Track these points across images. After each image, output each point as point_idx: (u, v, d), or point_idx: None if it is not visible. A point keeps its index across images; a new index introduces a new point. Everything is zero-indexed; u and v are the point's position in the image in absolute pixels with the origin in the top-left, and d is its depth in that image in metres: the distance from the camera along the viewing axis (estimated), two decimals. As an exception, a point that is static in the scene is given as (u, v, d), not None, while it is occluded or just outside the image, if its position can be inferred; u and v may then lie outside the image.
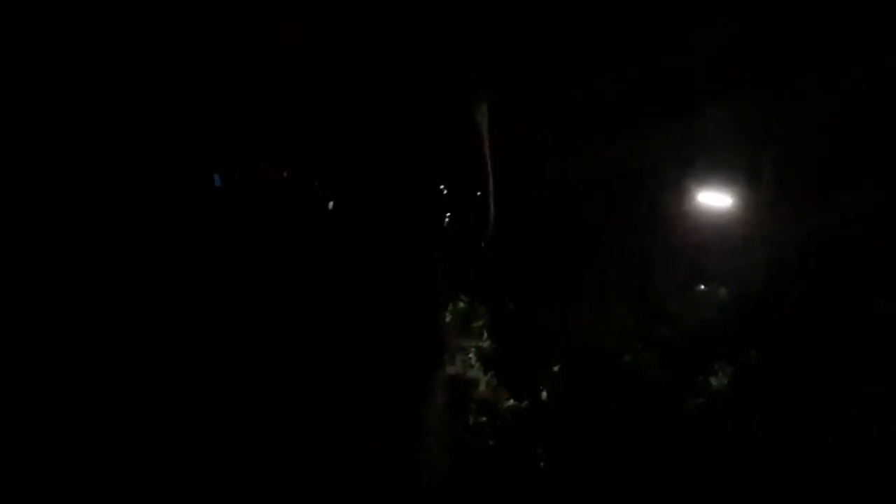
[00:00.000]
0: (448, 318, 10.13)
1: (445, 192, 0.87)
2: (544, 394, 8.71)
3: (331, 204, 0.87)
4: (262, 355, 0.82)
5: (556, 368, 8.78)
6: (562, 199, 9.83)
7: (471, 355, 9.69)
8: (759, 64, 7.94)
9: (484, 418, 8.48)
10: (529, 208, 9.76)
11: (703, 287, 8.90)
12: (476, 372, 9.71)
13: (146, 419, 0.81)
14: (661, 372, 8.02)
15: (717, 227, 8.92)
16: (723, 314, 8.27)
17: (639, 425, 7.71)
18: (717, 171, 8.84)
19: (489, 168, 0.90)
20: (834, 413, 7.25)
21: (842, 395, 7.34)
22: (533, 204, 9.84)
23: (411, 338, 0.88)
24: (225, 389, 0.83)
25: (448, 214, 0.87)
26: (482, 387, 9.67)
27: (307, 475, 0.84)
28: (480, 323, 9.54)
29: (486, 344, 9.39)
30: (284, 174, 0.85)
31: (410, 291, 0.87)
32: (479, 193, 0.88)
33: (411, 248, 0.86)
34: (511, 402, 8.86)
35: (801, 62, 7.71)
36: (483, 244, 0.92)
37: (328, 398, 0.84)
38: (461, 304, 9.55)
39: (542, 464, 7.64)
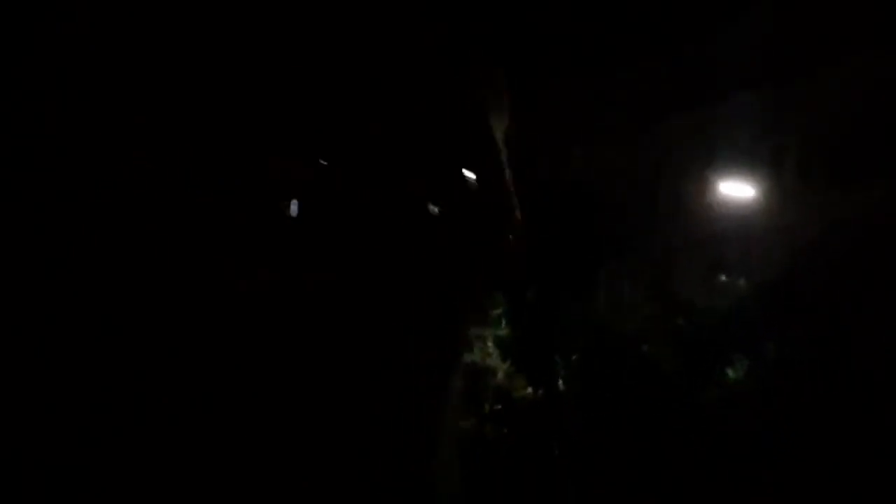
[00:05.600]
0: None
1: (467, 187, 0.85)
2: (560, 383, 8.65)
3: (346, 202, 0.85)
4: (281, 350, 0.81)
5: (573, 358, 8.70)
6: (582, 189, 9.77)
7: (489, 344, 9.64)
8: (781, 55, 7.84)
9: (499, 406, 8.44)
10: (550, 198, 9.71)
11: (723, 278, 8.81)
12: (494, 360, 9.65)
13: (158, 420, 0.80)
14: (678, 362, 7.95)
15: (739, 218, 8.83)
16: (742, 305, 8.18)
17: (655, 415, 7.65)
18: (739, 161, 8.75)
19: (504, 161, 0.86)
20: (853, 406, 7.15)
21: (862, 389, 7.23)
22: (553, 194, 9.78)
23: (430, 332, 0.86)
24: (244, 383, 0.82)
25: (470, 209, 0.84)
26: (500, 375, 9.62)
27: (323, 465, 0.83)
28: (499, 311, 9.48)
29: (503, 332, 9.33)
30: (303, 174, 0.84)
31: (430, 286, 0.85)
32: (501, 191, 0.85)
33: (432, 243, 0.83)
34: (528, 390, 8.81)
35: (824, 53, 7.61)
36: (510, 237, 0.89)
37: (346, 392, 0.83)
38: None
39: (556, 452, 7.61)
